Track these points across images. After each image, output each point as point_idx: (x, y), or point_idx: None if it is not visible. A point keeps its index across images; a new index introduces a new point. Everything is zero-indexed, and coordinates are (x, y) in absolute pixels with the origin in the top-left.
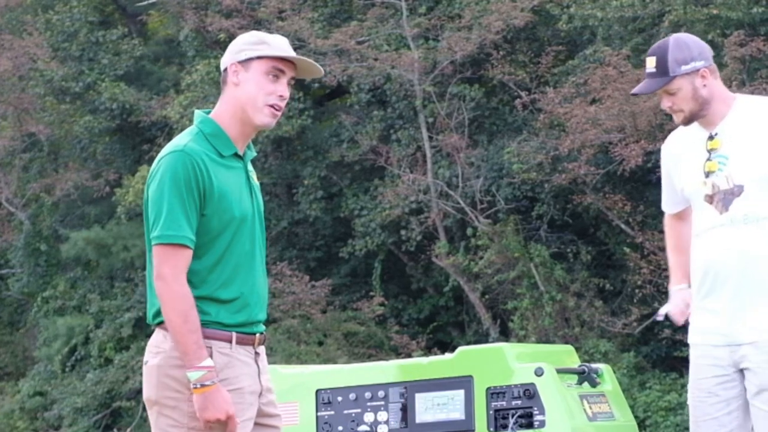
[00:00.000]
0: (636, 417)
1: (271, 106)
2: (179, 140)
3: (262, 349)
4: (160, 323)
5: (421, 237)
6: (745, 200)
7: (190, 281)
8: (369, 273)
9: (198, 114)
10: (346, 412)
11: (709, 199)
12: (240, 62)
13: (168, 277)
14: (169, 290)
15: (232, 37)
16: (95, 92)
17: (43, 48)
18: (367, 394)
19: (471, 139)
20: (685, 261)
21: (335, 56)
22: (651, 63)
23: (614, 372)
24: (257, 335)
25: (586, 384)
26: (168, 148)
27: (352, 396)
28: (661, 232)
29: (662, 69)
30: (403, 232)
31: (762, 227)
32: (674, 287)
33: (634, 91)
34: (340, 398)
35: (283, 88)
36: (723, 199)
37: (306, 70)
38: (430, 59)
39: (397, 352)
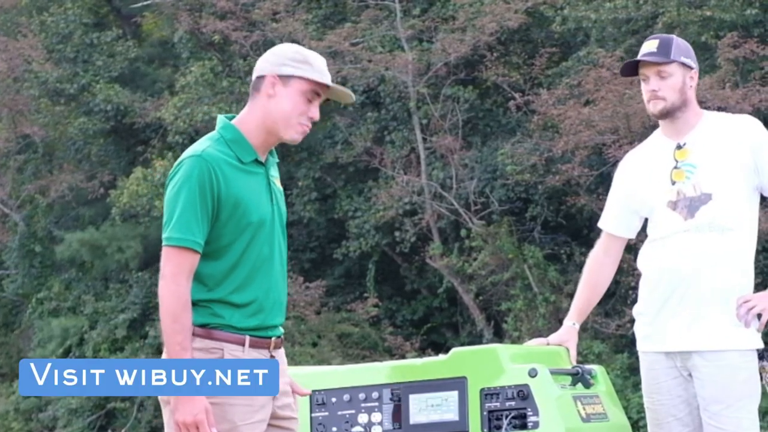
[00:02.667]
0: (630, 418)
1: (302, 124)
2: (199, 145)
3: (279, 353)
4: None
5: (415, 238)
6: (712, 208)
7: (205, 284)
8: (363, 274)
9: (221, 119)
10: (340, 413)
11: (673, 205)
12: (280, 76)
13: (167, 277)
14: (166, 289)
15: (226, 39)
16: (90, 94)
17: (37, 50)
18: (361, 395)
19: (465, 141)
20: (589, 300)
21: (329, 58)
22: (653, 45)
23: (608, 373)
24: (273, 339)
25: (579, 385)
26: (187, 152)
27: (346, 397)
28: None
29: (664, 51)
30: (397, 233)
31: (726, 237)
32: (568, 321)
33: (632, 60)
34: (334, 399)
35: (315, 110)
36: (688, 205)
37: (337, 95)
38: (424, 61)
39: (391, 354)
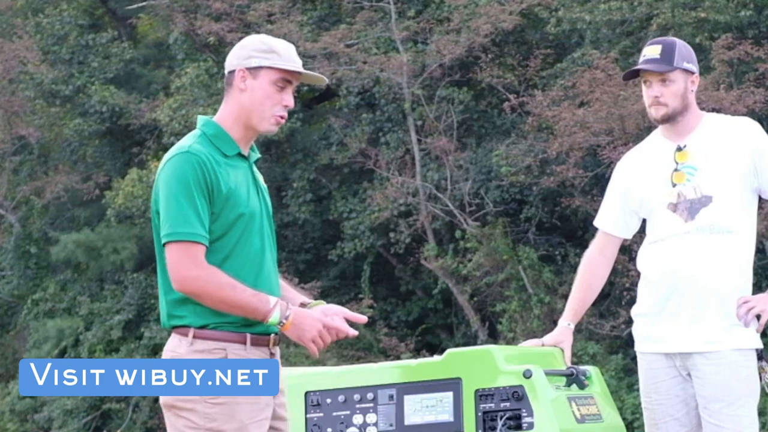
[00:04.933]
0: (624, 419)
1: (277, 115)
2: (183, 142)
3: (277, 350)
4: (175, 327)
5: (410, 239)
6: (713, 210)
7: None
8: (358, 275)
9: (201, 118)
10: (335, 414)
11: (673, 207)
12: (248, 69)
13: (190, 272)
14: (197, 282)
15: (221, 41)
16: (85, 95)
17: (33, 51)
18: (356, 396)
19: (459, 142)
20: (584, 300)
21: (324, 59)
22: (655, 51)
23: (602, 374)
24: (272, 336)
25: (574, 386)
26: (173, 150)
27: (341, 398)
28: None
29: (668, 58)
30: (391, 234)
31: (727, 239)
32: (563, 322)
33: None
34: (329, 400)
35: (289, 98)
36: (689, 208)
37: (310, 80)
38: (419, 62)
39: (386, 355)
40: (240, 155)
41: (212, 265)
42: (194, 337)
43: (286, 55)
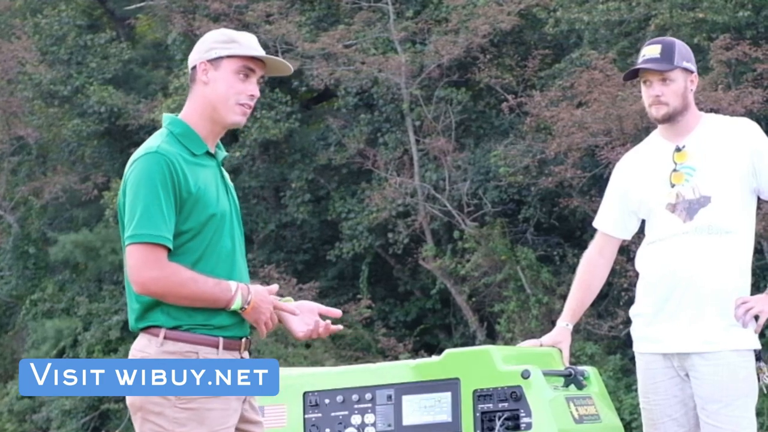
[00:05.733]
0: (622, 419)
1: (242, 104)
2: (151, 142)
3: (246, 355)
4: (144, 328)
5: (408, 240)
6: (712, 211)
7: None
8: (356, 276)
9: (166, 116)
10: (333, 414)
11: (672, 207)
12: (209, 61)
13: (150, 273)
14: (158, 283)
15: None
16: (83, 96)
17: (31, 52)
18: (355, 397)
19: (458, 143)
20: (582, 300)
21: (322, 60)
22: (655, 50)
23: (600, 374)
24: (243, 339)
25: (572, 386)
26: (140, 150)
27: (339, 398)
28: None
29: (668, 57)
30: (390, 235)
31: (725, 240)
32: (561, 322)
33: (635, 67)
34: (327, 401)
35: (253, 87)
36: (687, 208)
37: (275, 68)
38: (417, 63)
39: (384, 355)
40: (208, 153)
41: (183, 266)
42: (165, 338)
43: (246, 43)
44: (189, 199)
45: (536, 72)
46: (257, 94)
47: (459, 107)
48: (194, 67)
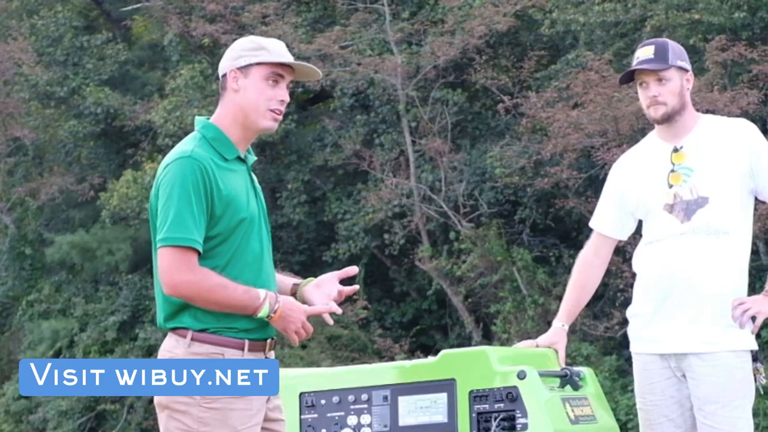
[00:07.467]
0: (618, 420)
1: (273, 110)
2: (184, 146)
3: (272, 354)
4: (173, 329)
5: (404, 241)
6: (709, 211)
7: None
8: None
9: (199, 120)
10: (329, 415)
11: (669, 208)
12: (239, 68)
13: (181, 276)
14: (189, 287)
15: (216, 42)
16: (80, 97)
17: (27, 53)
18: (351, 397)
19: (454, 144)
20: (578, 301)
21: (318, 61)
22: (648, 51)
23: (596, 375)
24: (268, 341)
25: (568, 387)
26: (174, 154)
27: (335, 399)
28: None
29: (662, 56)
30: (386, 236)
31: (723, 241)
32: (557, 323)
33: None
34: (323, 401)
35: (283, 93)
36: (685, 209)
37: (304, 73)
38: (413, 64)
39: (381, 356)
40: (238, 158)
41: (214, 270)
42: (192, 339)
43: (275, 50)
44: (220, 204)
45: (532, 73)
46: (287, 99)
47: (455, 108)
48: (224, 75)
